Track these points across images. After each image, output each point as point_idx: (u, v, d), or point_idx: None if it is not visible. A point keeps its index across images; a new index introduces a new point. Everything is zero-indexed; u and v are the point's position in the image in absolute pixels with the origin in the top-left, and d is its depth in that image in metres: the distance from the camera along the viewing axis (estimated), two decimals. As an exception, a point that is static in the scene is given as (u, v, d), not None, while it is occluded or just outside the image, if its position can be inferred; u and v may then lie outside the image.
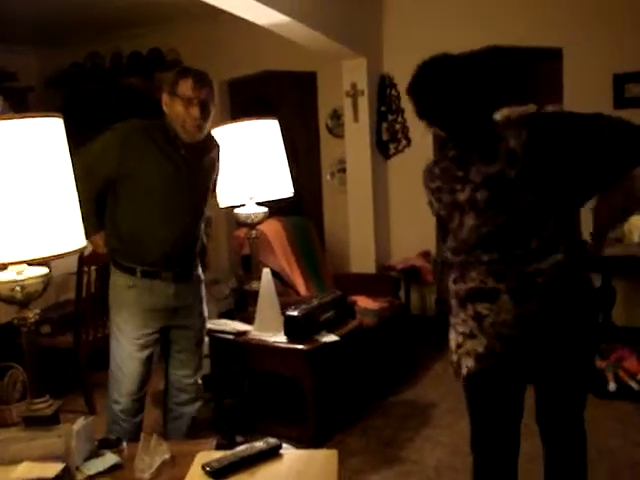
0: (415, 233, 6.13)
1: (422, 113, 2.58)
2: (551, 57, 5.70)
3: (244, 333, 4.04)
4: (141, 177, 3.05)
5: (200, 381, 3.46)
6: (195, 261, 3.35)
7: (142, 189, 3.06)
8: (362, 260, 6.05)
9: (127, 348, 3.16)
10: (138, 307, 3.13)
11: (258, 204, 4.12)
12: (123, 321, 3.16)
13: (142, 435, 2.15)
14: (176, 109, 3.05)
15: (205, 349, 4.34)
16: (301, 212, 6.45)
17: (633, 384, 4.40)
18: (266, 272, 3.99)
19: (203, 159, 3.25)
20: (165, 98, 3.09)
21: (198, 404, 3.45)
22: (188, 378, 3.39)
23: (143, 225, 3.10)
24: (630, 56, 5.26)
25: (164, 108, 3.11)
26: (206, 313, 3.45)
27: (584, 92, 5.38)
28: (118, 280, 3.17)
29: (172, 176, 3.10)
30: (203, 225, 3.36)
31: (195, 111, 3.04)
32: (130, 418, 3.21)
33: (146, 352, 3.20)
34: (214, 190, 3.57)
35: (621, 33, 5.32)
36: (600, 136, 2.26)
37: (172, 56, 6.99)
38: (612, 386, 4.40)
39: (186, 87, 3.04)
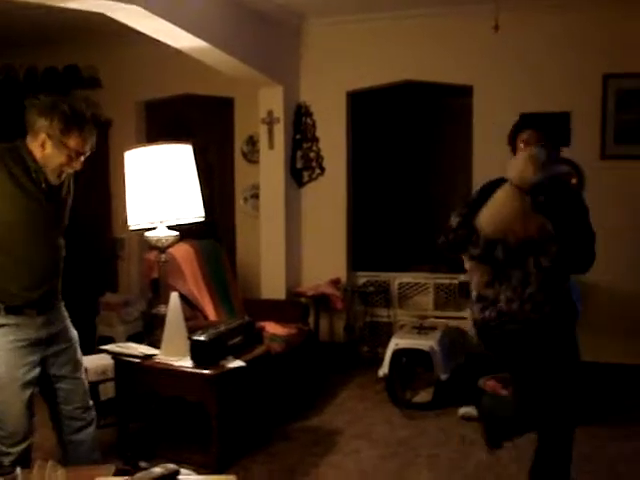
0: (326, 260, 6.22)
1: None
2: (462, 94, 5.92)
3: (150, 357, 4.00)
4: None
5: (91, 402, 3.28)
6: (58, 290, 3.19)
7: None
8: (273, 286, 6.08)
9: (6, 390, 2.93)
10: (11, 344, 2.92)
11: (169, 227, 4.11)
12: None
13: (37, 462, 2.10)
14: (56, 156, 2.85)
15: (110, 372, 4.31)
16: (214, 236, 6.43)
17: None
18: (174, 296, 3.97)
19: (62, 190, 3.05)
20: (44, 140, 2.84)
21: (93, 427, 3.28)
22: (77, 405, 3.20)
23: (2, 269, 2.90)
24: (535, 96, 5.51)
25: (36, 147, 2.85)
26: (75, 333, 3.27)
27: (492, 129, 5.59)
28: None
29: (32, 215, 2.89)
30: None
31: (78, 165, 2.92)
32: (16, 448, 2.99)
33: (28, 392, 2.97)
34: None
35: (527, 74, 5.58)
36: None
37: (90, 73, 6.87)
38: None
39: (78, 140, 2.86)
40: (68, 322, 3.23)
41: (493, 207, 3.07)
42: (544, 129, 3.23)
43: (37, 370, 3.00)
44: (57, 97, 2.90)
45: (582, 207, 3.17)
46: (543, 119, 3.34)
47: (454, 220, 3.20)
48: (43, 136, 2.83)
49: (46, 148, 2.85)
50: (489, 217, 3.07)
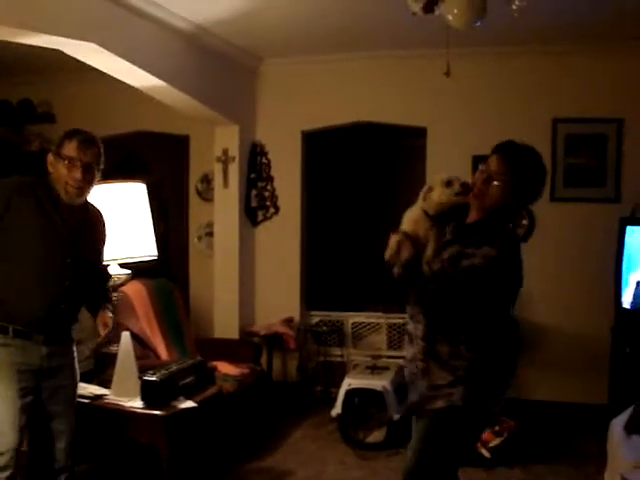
0: (279, 300, 6.21)
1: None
2: (418, 135, 6.01)
3: (100, 397, 3.92)
4: (17, 234, 2.98)
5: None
6: (73, 324, 3.29)
7: (17, 246, 2.99)
8: (226, 325, 6.04)
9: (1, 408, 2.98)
10: (12, 366, 2.99)
11: (122, 266, 4.07)
12: None
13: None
14: (59, 170, 3.02)
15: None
16: (168, 274, 6.37)
17: (484, 452, 4.56)
18: (125, 335, 3.92)
19: (85, 224, 3.21)
20: (50, 158, 3.06)
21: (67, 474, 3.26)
22: (62, 447, 3.22)
23: (15, 287, 3.01)
24: (487, 140, 5.59)
25: (49, 168, 3.07)
26: (78, 375, 3.34)
27: (445, 169, 5.66)
28: None
29: (50, 236, 3.04)
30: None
31: (77, 173, 3.01)
32: None
33: (19, 416, 3.01)
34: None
35: (479, 117, 5.70)
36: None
37: (44, 108, 6.82)
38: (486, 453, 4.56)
39: (71, 148, 3.02)
40: (75, 362, 3.29)
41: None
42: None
43: (30, 398, 3.04)
44: None
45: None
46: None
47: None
48: (49, 155, 3.07)
49: (51, 164, 3.06)
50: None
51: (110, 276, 3.76)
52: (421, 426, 2.85)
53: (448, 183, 2.80)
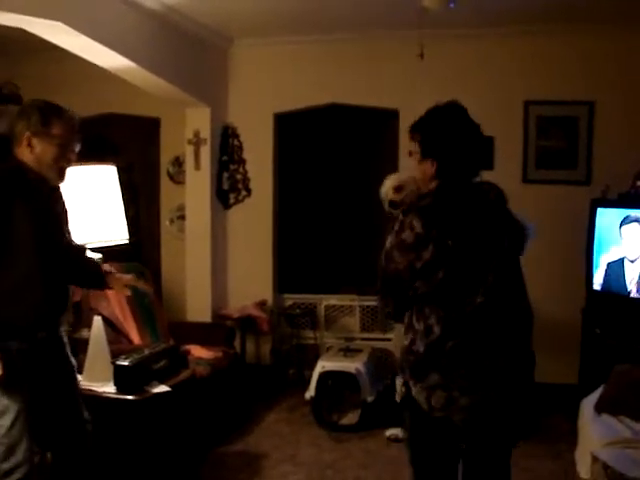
0: (252, 282, 6.19)
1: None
2: (391, 117, 5.99)
3: (71, 382, 3.88)
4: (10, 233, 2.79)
5: None
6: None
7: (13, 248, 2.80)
8: (198, 308, 6.01)
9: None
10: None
11: (93, 250, 4.01)
12: None
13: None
14: (48, 151, 2.83)
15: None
16: (139, 258, 6.32)
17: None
18: (97, 320, 3.86)
19: (57, 204, 3.05)
20: (29, 138, 2.82)
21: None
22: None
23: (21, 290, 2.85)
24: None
25: (25, 152, 2.83)
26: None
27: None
28: None
29: (42, 228, 2.88)
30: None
31: (73, 155, 2.92)
32: None
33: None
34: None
35: (451, 99, 5.68)
36: None
37: (10, 89, 6.69)
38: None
39: (61, 127, 2.86)
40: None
41: None
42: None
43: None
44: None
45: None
46: None
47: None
48: (27, 135, 2.81)
49: (35, 147, 2.83)
50: None
51: (84, 247, 3.59)
52: None
53: (398, 189, 2.83)
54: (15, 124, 2.86)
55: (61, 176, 2.93)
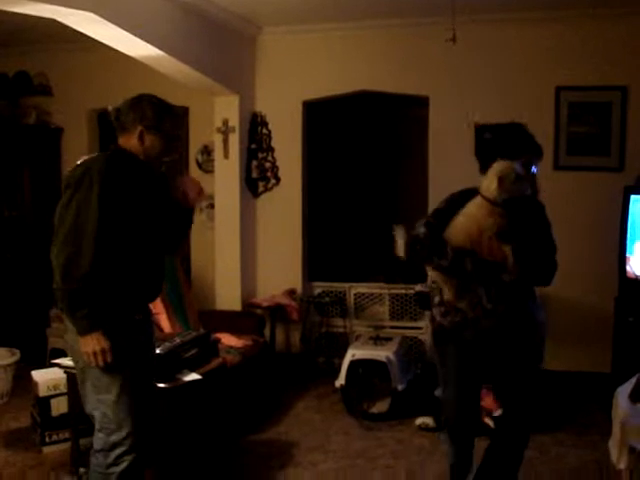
0: (281, 271, 6.19)
1: None
2: (420, 104, 5.95)
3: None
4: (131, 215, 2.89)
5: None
6: None
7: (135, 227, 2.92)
8: (228, 297, 6.03)
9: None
10: None
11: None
12: None
13: None
14: (157, 146, 2.96)
15: (62, 387, 4.21)
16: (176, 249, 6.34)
17: (489, 421, 4.56)
18: (128, 308, 3.89)
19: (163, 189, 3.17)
20: (142, 132, 2.93)
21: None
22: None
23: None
24: (489, 108, 5.56)
25: (134, 144, 2.94)
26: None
27: (447, 140, 5.65)
28: None
29: (155, 208, 3.02)
30: None
31: (176, 148, 3.05)
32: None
33: None
34: None
35: (482, 85, 5.64)
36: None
37: (40, 80, 6.74)
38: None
39: (172, 125, 3.01)
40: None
41: (464, 220, 3.05)
42: (541, 155, 3.24)
43: None
44: (135, 96, 3.04)
45: (546, 221, 3.21)
46: (533, 138, 3.24)
47: (421, 231, 3.13)
48: (140, 129, 2.94)
49: (145, 141, 2.95)
50: (460, 230, 3.05)
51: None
52: None
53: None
54: (125, 114, 2.97)
55: (160, 169, 3.07)
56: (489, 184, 2.98)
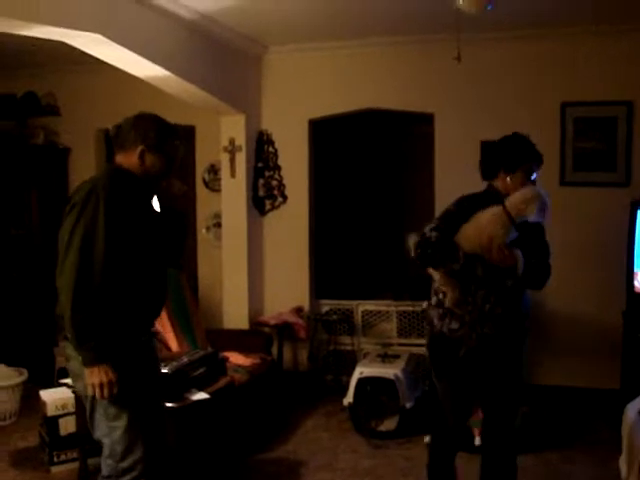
0: (289, 289, 6.19)
1: None
2: (426, 121, 5.97)
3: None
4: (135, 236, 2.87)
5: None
6: None
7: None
8: (235, 315, 6.03)
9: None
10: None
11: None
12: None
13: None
14: (157, 167, 2.93)
15: (70, 406, 4.22)
16: (177, 264, 6.36)
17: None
18: (136, 327, 3.89)
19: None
20: (143, 152, 2.90)
21: None
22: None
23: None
24: (494, 124, 5.57)
25: (134, 163, 2.90)
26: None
27: (453, 156, 5.66)
28: None
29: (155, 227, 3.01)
30: None
31: (176, 168, 3.03)
32: None
33: None
34: None
35: (487, 102, 5.65)
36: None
37: (48, 101, 6.79)
38: (477, 441, 4.51)
39: (175, 147, 2.99)
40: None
41: (478, 227, 3.11)
42: (541, 162, 3.36)
43: None
44: (137, 114, 3.03)
45: (541, 226, 3.34)
46: (534, 146, 3.38)
47: (432, 234, 3.15)
48: (141, 148, 2.90)
49: (146, 160, 2.91)
50: (472, 236, 3.11)
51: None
52: None
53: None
54: (127, 132, 2.94)
55: (159, 188, 3.07)
56: (520, 204, 3.09)
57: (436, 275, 3.28)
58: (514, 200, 3.11)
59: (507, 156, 3.27)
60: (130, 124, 2.96)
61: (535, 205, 3.06)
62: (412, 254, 3.24)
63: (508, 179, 3.23)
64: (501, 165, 3.25)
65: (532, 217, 3.08)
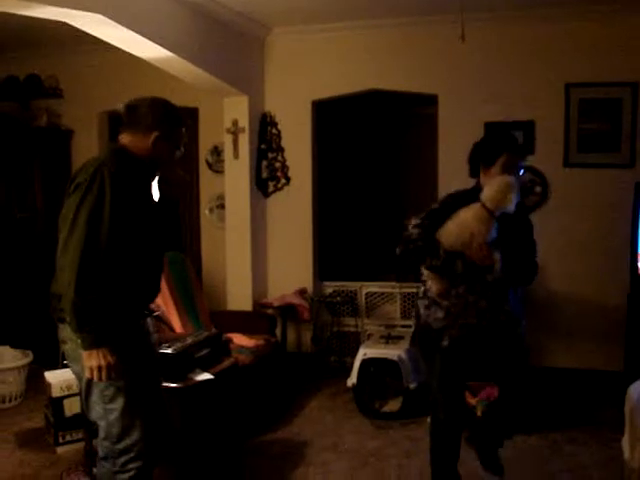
0: (292, 270, 6.20)
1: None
2: (430, 103, 5.94)
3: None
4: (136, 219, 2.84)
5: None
6: None
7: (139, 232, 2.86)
8: (239, 297, 6.03)
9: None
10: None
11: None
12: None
13: None
14: (165, 153, 2.92)
15: (75, 387, 4.23)
16: (179, 247, 6.37)
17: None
18: (140, 309, 3.90)
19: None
20: (158, 140, 2.87)
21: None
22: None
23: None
24: (499, 105, 5.56)
25: (143, 146, 2.87)
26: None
27: (457, 137, 5.63)
28: None
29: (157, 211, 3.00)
30: None
31: (180, 154, 3.03)
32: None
33: None
34: None
35: (491, 83, 5.62)
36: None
37: (51, 83, 6.77)
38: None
39: (184, 136, 3.01)
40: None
41: (459, 225, 3.16)
42: (520, 152, 3.38)
43: None
44: (152, 98, 3.00)
45: (529, 223, 3.45)
46: (511, 136, 3.45)
47: (413, 230, 3.25)
48: (155, 135, 2.88)
49: (156, 146, 2.89)
50: (453, 234, 3.17)
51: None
52: None
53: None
54: (142, 115, 2.90)
55: (164, 174, 3.05)
56: (495, 195, 3.10)
57: (423, 270, 3.37)
58: (489, 193, 3.13)
59: (484, 150, 3.35)
60: (147, 107, 2.91)
61: (512, 193, 3.08)
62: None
63: (488, 172, 3.29)
64: (480, 160, 3.34)
65: (511, 207, 3.10)
